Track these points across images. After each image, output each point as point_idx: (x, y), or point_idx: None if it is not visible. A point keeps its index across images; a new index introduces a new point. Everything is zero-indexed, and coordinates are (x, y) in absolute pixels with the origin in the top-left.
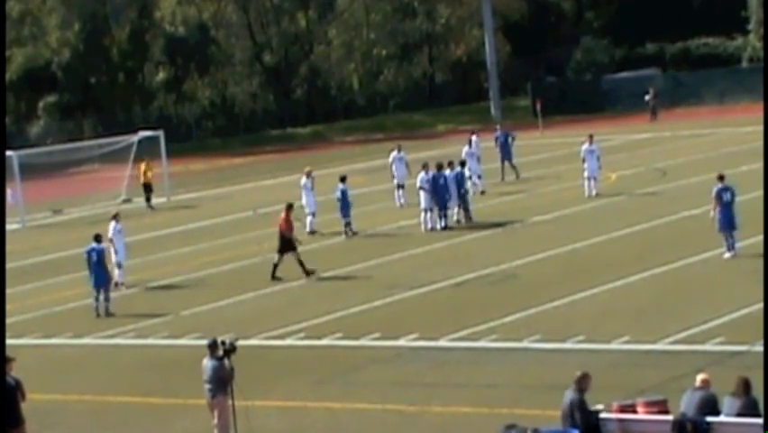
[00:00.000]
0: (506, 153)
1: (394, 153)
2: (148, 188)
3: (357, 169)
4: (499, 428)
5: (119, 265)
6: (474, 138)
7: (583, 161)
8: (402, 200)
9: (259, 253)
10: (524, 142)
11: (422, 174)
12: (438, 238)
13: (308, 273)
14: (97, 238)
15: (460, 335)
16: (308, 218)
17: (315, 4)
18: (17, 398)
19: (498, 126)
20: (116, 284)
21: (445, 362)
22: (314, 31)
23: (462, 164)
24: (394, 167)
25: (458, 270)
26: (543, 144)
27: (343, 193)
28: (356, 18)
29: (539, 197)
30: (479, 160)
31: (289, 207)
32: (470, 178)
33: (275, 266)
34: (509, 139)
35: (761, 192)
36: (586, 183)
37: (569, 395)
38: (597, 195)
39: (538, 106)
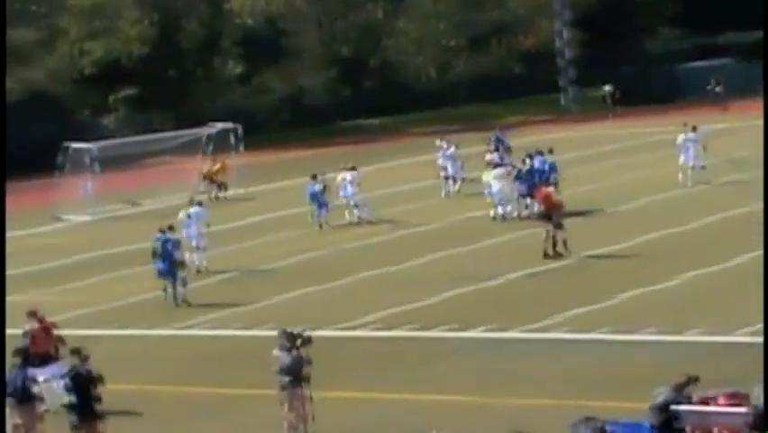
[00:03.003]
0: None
1: (443, 145)
2: (215, 182)
3: (427, 160)
4: (574, 420)
5: (197, 249)
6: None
7: (681, 150)
8: (449, 190)
9: (331, 243)
10: (597, 132)
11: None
12: (513, 228)
13: (557, 255)
14: (170, 228)
15: (536, 326)
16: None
17: None
18: (94, 390)
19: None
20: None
21: (519, 353)
22: (385, 22)
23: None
24: (441, 161)
25: (532, 260)
26: (617, 135)
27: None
28: (426, 9)
29: (617, 187)
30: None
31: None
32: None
33: (554, 242)
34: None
35: None
36: (681, 173)
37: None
38: (703, 183)
39: (612, 96)
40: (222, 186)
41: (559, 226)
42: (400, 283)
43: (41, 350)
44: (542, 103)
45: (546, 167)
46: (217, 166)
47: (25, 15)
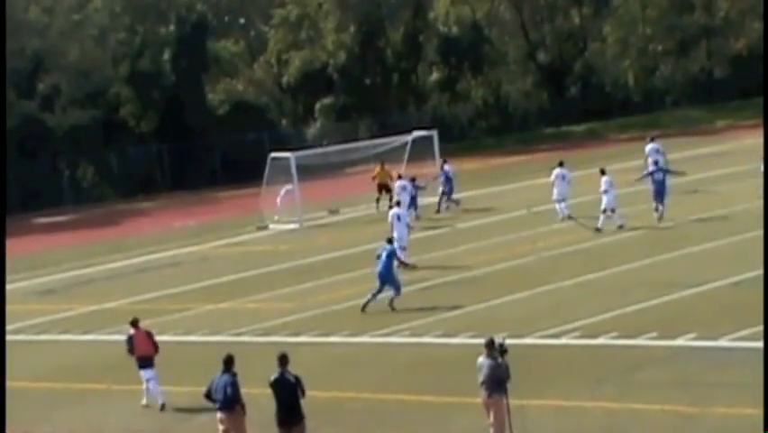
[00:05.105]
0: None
1: (556, 171)
2: (384, 189)
3: (631, 167)
4: None
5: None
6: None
7: None
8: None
9: (533, 251)
10: None
11: None
12: (716, 236)
13: None
14: (389, 240)
15: (740, 334)
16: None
17: (589, 0)
18: (297, 395)
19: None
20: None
21: (726, 362)
22: (588, 27)
23: None
24: (556, 183)
25: (737, 268)
26: None
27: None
28: (631, 14)
29: None
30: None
31: None
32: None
33: None
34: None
35: None
36: None
37: None
38: None
39: None
40: (384, 187)
41: None
42: (604, 290)
43: (142, 353)
44: (751, 107)
45: None
46: (376, 170)
47: (228, 28)
